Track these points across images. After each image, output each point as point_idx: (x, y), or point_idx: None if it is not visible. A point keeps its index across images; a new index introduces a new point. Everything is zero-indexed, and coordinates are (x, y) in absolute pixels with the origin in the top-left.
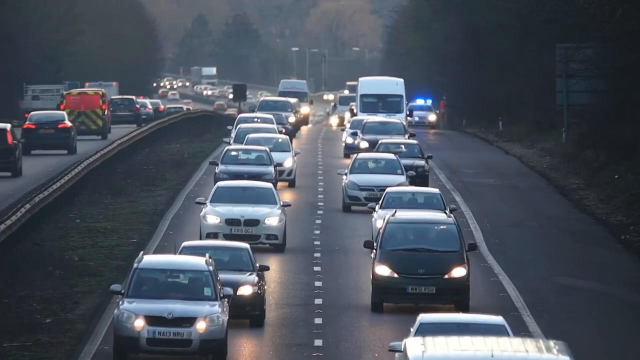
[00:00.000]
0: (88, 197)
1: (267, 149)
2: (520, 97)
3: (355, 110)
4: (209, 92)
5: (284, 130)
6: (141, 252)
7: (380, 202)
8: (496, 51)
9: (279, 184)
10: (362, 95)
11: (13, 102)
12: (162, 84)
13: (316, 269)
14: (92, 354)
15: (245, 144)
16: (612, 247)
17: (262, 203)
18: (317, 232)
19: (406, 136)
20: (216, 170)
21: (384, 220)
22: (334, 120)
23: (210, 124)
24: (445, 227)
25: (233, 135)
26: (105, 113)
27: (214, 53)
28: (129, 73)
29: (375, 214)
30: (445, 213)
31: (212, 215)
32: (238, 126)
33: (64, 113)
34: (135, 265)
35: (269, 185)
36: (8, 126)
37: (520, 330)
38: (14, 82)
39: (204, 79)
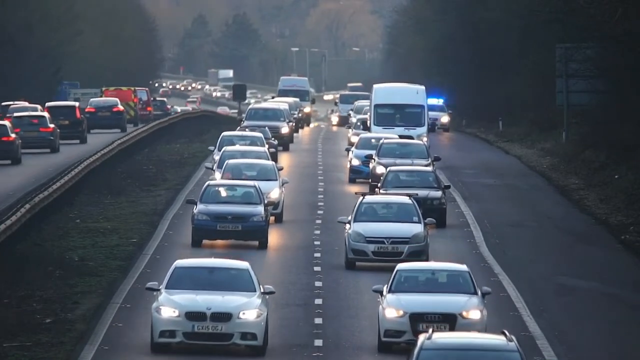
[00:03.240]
0: (88, 197)
1: (257, 185)
2: (520, 97)
3: (368, 123)
4: (218, 94)
5: (269, 148)
6: None
7: (389, 283)
8: (496, 51)
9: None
10: (376, 106)
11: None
12: (177, 86)
13: (316, 269)
14: (92, 354)
15: (224, 172)
16: (612, 247)
17: (236, 289)
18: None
19: (429, 160)
20: (194, 211)
21: (415, 346)
22: (334, 119)
23: (210, 124)
24: (504, 354)
25: (216, 158)
26: (137, 105)
27: (214, 53)
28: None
29: (383, 301)
30: (505, 334)
31: (168, 307)
32: (223, 148)
33: (117, 99)
34: None
35: (245, 265)
36: (76, 103)
37: (520, 330)
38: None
39: (221, 82)
